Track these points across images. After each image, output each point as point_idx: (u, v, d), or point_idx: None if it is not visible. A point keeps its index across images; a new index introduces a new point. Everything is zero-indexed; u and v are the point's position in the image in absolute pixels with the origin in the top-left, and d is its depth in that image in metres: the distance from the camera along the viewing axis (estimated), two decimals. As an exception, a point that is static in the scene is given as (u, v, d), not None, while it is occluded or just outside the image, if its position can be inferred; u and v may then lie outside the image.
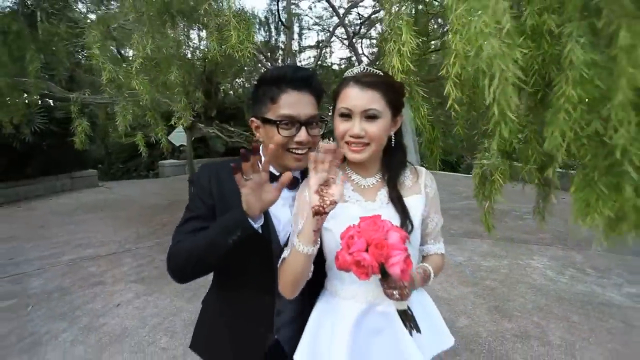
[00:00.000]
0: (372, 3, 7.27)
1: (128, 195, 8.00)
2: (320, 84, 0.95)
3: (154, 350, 2.40)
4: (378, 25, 6.88)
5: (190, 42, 3.25)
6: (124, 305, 2.99)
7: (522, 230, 4.98)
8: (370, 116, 0.85)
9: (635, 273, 3.52)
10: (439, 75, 1.00)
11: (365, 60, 7.31)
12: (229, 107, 11.03)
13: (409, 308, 0.88)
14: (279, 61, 8.58)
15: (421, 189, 0.97)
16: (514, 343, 2.44)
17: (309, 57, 10.28)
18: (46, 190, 7.88)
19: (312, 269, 0.86)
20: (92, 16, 4.89)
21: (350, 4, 7.10)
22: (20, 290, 3.26)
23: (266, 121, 0.91)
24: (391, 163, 0.94)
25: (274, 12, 7.91)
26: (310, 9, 7.95)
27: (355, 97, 0.85)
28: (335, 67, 9.23)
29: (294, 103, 0.88)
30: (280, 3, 7.56)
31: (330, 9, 7.16)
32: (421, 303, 0.99)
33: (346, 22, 7.26)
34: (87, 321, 2.74)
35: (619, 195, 0.89)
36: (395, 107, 0.89)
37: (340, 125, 0.88)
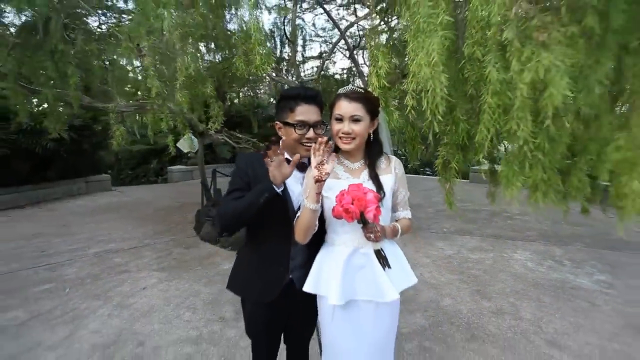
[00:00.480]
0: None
1: (141, 198, 8.44)
2: (322, 99, 1.38)
3: (179, 322, 2.80)
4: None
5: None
6: (149, 289, 3.39)
7: (510, 229, 5.35)
8: (355, 119, 1.27)
9: (607, 264, 3.89)
10: (404, 88, 1.42)
11: (365, 69, 7.79)
12: (235, 115, 11.56)
13: (382, 249, 1.29)
14: (284, 71, 9.09)
15: (392, 170, 1.38)
16: (490, 318, 2.83)
17: (312, 68, 10.80)
18: (64, 193, 8.34)
19: (317, 223, 1.27)
20: (104, 27, 5.32)
21: (349, 23, 7.61)
22: (56, 277, 3.68)
23: (286, 124, 1.33)
24: (371, 152, 1.36)
25: (279, 26, 8.43)
26: (314, 25, 8.42)
27: (345, 107, 1.27)
28: (337, 76, 9.72)
29: (305, 112, 1.31)
30: (285, 17, 8.07)
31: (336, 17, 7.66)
32: (393, 252, 1.39)
33: (347, 33, 7.76)
34: (119, 300, 3.15)
35: (528, 172, 1.31)
36: (373, 113, 1.31)
37: (335, 126, 1.30)
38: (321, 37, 10.18)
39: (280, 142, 1.42)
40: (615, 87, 1.38)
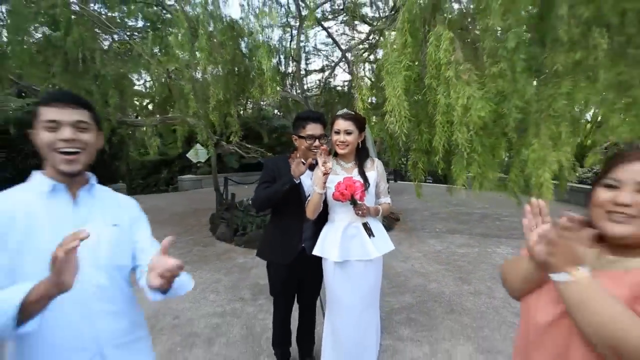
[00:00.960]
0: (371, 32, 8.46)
1: (155, 204, 9.02)
2: (325, 119, 1.95)
3: (205, 302, 3.33)
4: (379, 50, 8.02)
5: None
6: (177, 278, 3.93)
7: (498, 229, 5.86)
8: (348, 132, 1.83)
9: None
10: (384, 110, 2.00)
11: (367, 80, 8.42)
12: (243, 127, 12.22)
13: (367, 222, 1.84)
14: (288, 85, 9.74)
15: (375, 169, 1.94)
16: (468, 297, 3.34)
17: (315, 81, 11.48)
18: (84, 200, 8.94)
19: (321, 205, 1.83)
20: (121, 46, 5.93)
21: (350, 37, 8.27)
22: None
23: (300, 137, 1.90)
24: (360, 156, 1.92)
25: (284, 43, 9.12)
26: (316, 47, 9.14)
27: (341, 124, 1.84)
28: (338, 88, 10.38)
29: (313, 129, 1.87)
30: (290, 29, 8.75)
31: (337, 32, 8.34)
32: (376, 226, 1.93)
33: (348, 45, 8.44)
34: (153, 286, 3.68)
35: (469, 168, 1.87)
36: (361, 129, 1.87)
37: (334, 137, 1.87)
38: (323, 51, 10.88)
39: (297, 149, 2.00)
40: (533, 107, 1.95)
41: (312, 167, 1.93)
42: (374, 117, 2.15)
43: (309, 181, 1.93)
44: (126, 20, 5.78)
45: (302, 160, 1.81)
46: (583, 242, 0.86)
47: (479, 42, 1.79)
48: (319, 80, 10.95)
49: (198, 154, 10.43)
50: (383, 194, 1.99)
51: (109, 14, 5.18)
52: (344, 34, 9.44)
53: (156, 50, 5.46)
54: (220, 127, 3.45)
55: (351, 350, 1.93)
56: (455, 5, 1.92)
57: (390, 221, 6.27)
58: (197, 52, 2.61)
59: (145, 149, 13.71)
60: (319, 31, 11.03)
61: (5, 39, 3.41)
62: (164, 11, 5.36)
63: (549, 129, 1.70)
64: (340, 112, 1.89)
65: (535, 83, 1.72)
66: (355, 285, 1.88)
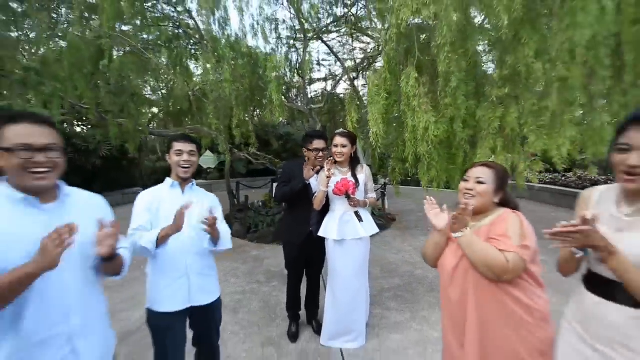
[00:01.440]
0: (372, 46, 9.19)
1: (170, 207, 9.73)
2: (327, 136, 2.63)
3: (227, 284, 4.00)
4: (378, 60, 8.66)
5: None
6: (201, 266, 4.61)
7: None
8: (344, 146, 2.52)
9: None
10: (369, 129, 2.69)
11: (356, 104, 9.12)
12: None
13: (358, 211, 2.52)
14: (293, 96, 10.47)
15: (364, 173, 2.61)
16: (447, 280, 3.98)
17: (317, 90, 12.20)
18: (105, 203, 9.70)
19: (324, 200, 2.50)
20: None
21: (352, 54, 9.01)
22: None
23: (308, 150, 2.58)
24: (352, 163, 2.61)
25: (289, 56, 9.87)
26: (319, 62, 9.91)
27: (338, 139, 2.52)
28: (341, 96, 11.08)
29: (318, 144, 2.55)
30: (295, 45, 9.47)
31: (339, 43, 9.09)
32: (365, 215, 2.60)
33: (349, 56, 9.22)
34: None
35: (429, 172, 2.55)
36: (352, 143, 2.56)
37: (334, 149, 2.55)
38: (326, 61, 11.65)
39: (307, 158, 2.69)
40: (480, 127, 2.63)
41: (317, 172, 2.62)
42: (361, 133, 2.81)
43: (315, 182, 2.62)
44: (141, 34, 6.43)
45: (312, 167, 2.50)
46: (467, 217, 1.54)
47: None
48: (322, 89, 11.70)
49: (208, 160, 11.22)
50: (370, 191, 2.67)
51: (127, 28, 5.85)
52: (347, 44, 10.18)
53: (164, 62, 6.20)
54: (240, 139, 4.16)
55: (345, 308, 2.60)
56: (425, 50, 2.60)
57: (387, 221, 6.93)
58: (223, 83, 3.34)
59: (157, 155, 14.52)
60: (321, 44, 11.81)
61: (64, 67, 4.14)
62: (179, 29, 6.09)
63: (489, 143, 2.36)
64: (338, 131, 2.58)
65: (478, 110, 2.39)
66: (349, 258, 2.55)
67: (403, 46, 2.56)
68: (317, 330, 2.83)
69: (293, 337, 2.81)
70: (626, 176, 1.03)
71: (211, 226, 1.62)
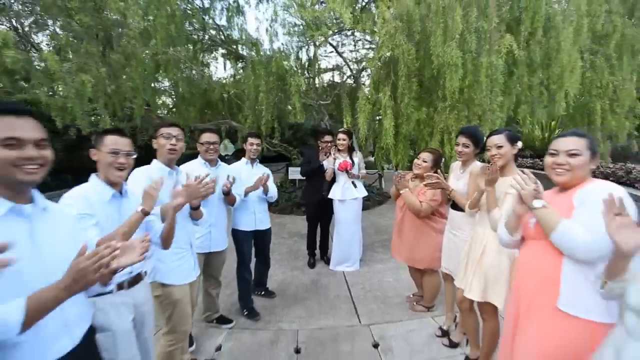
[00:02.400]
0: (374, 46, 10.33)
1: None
2: (332, 132, 4.01)
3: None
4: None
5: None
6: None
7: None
8: (344, 139, 3.90)
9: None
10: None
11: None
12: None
13: (354, 181, 3.93)
14: (303, 90, 11.71)
15: (357, 156, 3.99)
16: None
17: (325, 82, 13.42)
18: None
19: (333, 173, 3.90)
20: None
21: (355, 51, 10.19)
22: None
23: (321, 141, 3.96)
24: (350, 150, 3.99)
25: (299, 55, 11.09)
26: (327, 68, 11.12)
27: (340, 135, 3.91)
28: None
29: (327, 137, 3.93)
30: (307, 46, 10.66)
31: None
32: (359, 184, 4.00)
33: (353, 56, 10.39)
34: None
35: (396, 156, 3.94)
36: (350, 137, 3.94)
37: (337, 141, 3.94)
38: (331, 56, 12.77)
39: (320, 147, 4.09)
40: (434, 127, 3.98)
41: (327, 156, 4.01)
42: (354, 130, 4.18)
43: (326, 163, 4.00)
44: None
45: (324, 154, 3.88)
46: (408, 182, 2.93)
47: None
48: (329, 80, 12.87)
49: (227, 147, 12.69)
50: (361, 168, 4.05)
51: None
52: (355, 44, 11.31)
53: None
54: (267, 132, 5.53)
55: (345, 244, 4.03)
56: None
57: (383, 198, 8.32)
58: (260, 92, 4.69)
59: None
60: (330, 45, 12.94)
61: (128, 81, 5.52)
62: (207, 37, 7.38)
63: (436, 139, 3.69)
64: (340, 130, 3.96)
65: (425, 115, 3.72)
66: (348, 211, 3.95)
67: (383, 72, 3.85)
68: (327, 262, 4.28)
69: (311, 265, 4.27)
70: (556, 171, 1.43)
71: (264, 184, 2.98)
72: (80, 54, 3.95)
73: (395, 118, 3.77)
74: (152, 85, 5.72)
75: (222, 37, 7.00)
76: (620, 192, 1.21)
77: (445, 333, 2.78)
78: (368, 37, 10.57)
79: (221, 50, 7.21)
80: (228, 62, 7.52)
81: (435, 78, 3.62)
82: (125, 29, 4.18)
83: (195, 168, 2.60)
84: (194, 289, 2.36)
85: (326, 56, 12.19)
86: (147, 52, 5.42)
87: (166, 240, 1.75)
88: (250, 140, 3.17)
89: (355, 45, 10.94)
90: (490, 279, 2.05)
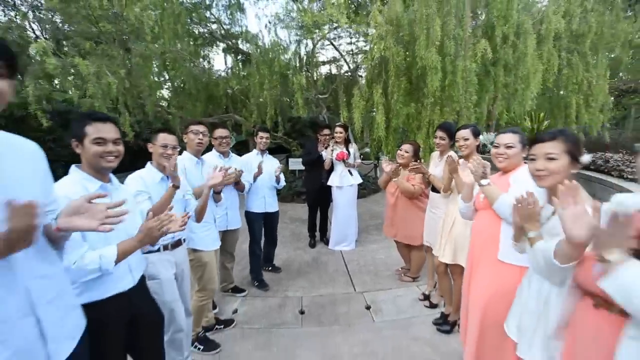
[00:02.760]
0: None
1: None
2: (330, 125, 4.46)
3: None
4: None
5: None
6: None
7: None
8: (341, 132, 4.36)
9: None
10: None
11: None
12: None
13: (350, 170, 4.41)
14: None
15: (353, 147, 4.46)
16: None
17: (323, 74, 13.76)
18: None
19: (331, 163, 4.37)
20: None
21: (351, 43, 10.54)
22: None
23: (320, 134, 4.41)
24: (346, 142, 4.45)
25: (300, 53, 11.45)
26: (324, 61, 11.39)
27: (338, 129, 4.37)
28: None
29: (326, 131, 4.39)
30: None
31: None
32: (354, 172, 4.47)
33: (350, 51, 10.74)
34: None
35: (387, 146, 4.41)
36: (346, 130, 4.40)
37: (335, 134, 4.40)
38: (329, 48, 13.07)
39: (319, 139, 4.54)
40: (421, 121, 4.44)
41: (326, 147, 4.47)
42: (351, 124, 4.63)
43: (325, 153, 4.46)
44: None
45: (323, 145, 4.34)
46: (399, 170, 3.40)
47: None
48: (328, 73, 13.22)
49: (231, 139, 13.13)
50: (357, 158, 4.52)
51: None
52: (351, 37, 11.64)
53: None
54: (270, 126, 5.99)
55: (342, 226, 4.52)
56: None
57: (378, 186, 8.81)
58: (264, 90, 5.13)
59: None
60: (328, 40, 13.23)
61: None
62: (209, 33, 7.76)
63: (423, 132, 4.14)
64: (337, 124, 4.41)
65: (414, 110, 4.16)
66: (345, 196, 4.43)
67: (375, 71, 4.27)
68: (326, 242, 4.77)
69: (312, 246, 4.77)
70: (498, 159, 1.88)
71: (277, 175, 3.46)
72: (101, 56, 4.36)
73: (386, 113, 4.24)
74: (162, 81, 6.12)
75: (223, 32, 7.39)
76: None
77: (426, 297, 3.29)
78: (363, 28, 11.02)
79: (222, 46, 7.60)
80: (233, 61, 7.90)
81: (421, 77, 4.06)
82: (141, 33, 4.57)
83: (210, 159, 3.06)
84: (217, 258, 2.84)
85: (322, 49, 12.59)
86: (156, 51, 5.82)
87: (200, 214, 2.24)
88: (261, 134, 3.63)
89: (351, 39, 11.34)
90: (459, 245, 2.54)
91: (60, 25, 5.30)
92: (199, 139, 2.61)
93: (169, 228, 1.50)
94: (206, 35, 7.98)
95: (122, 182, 1.82)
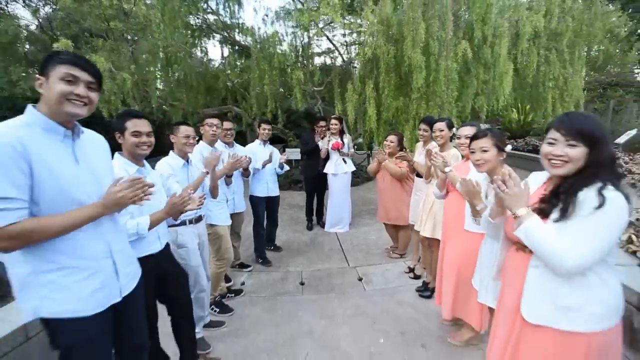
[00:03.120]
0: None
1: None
2: (326, 118, 4.85)
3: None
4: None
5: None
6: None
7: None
8: (336, 124, 4.75)
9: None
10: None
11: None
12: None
13: (344, 158, 4.82)
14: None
15: (347, 138, 4.86)
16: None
17: (318, 64, 14.03)
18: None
19: (327, 152, 4.78)
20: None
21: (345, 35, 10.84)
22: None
23: (317, 126, 4.80)
24: (341, 133, 4.85)
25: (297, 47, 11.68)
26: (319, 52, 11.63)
27: (333, 121, 4.76)
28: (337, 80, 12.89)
29: (322, 123, 4.79)
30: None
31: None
32: (348, 160, 4.88)
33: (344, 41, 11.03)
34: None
35: (378, 135, 4.83)
36: (341, 122, 4.79)
37: (331, 125, 4.80)
38: (324, 42, 13.31)
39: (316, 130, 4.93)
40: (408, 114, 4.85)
41: (322, 137, 4.86)
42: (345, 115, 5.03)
43: (321, 143, 4.85)
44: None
45: (319, 136, 4.73)
46: (384, 156, 3.82)
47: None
48: (323, 64, 13.49)
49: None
50: (350, 148, 4.92)
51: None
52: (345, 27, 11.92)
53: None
54: (270, 118, 6.38)
55: (337, 209, 4.95)
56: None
57: (370, 175, 9.25)
58: (264, 85, 5.47)
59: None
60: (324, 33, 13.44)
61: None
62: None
63: (410, 124, 4.54)
64: (333, 116, 4.80)
65: (402, 104, 4.55)
66: (339, 183, 4.85)
67: (367, 68, 4.64)
68: (322, 225, 5.21)
69: (309, 228, 5.20)
70: (461, 147, 2.65)
71: (282, 162, 3.87)
72: (110, 52, 4.66)
73: (377, 106, 4.63)
74: (168, 75, 6.43)
75: (221, 25, 7.66)
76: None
77: (411, 270, 3.74)
78: (357, 22, 11.29)
79: (219, 37, 7.90)
80: (230, 53, 8.18)
81: (409, 74, 4.44)
82: (147, 29, 4.86)
83: (217, 149, 3.46)
84: (229, 232, 3.26)
85: (318, 40, 12.82)
86: (159, 46, 6.12)
87: (213, 191, 2.67)
88: (263, 126, 4.01)
89: (344, 32, 11.62)
90: (437, 221, 2.98)
91: (69, 23, 5.54)
92: (213, 130, 2.99)
93: (189, 204, 1.90)
94: (203, 27, 8.24)
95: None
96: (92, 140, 1.50)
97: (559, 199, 1.26)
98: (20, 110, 1.33)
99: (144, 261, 1.76)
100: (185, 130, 2.45)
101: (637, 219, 3.18)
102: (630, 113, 9.38)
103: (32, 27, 6.25)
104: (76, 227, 1.28)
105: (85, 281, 1.34)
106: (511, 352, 1.41)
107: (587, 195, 1.18)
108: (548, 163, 1.31)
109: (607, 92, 13.52)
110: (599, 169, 1.21)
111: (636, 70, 15.20)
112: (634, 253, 2.81)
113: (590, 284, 1.23)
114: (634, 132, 7.14)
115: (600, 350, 1.25)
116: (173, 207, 1.83)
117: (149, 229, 1.81)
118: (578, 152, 1.22)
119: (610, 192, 1.16)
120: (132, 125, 1.84)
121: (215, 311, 2.99)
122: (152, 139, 1.92)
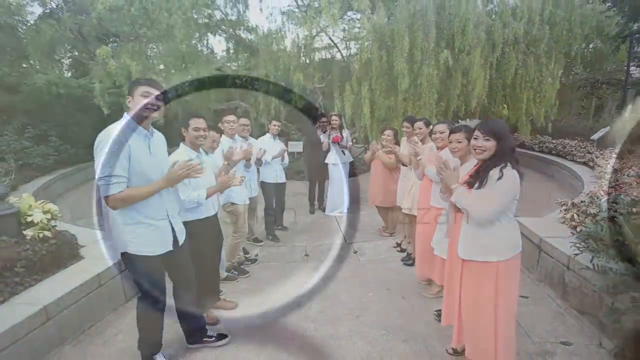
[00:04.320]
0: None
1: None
2: (326, 115, 5.53)
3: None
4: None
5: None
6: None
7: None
8: (336, 120, 5.43)
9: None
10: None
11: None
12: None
13: (343, 150, 5.51)
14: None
15: (346, 132, 5.54)
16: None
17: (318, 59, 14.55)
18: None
19: (328, 144, 5.46)
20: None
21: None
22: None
23: (318, 121, 5.48)
24: (340, 127, 5.52)
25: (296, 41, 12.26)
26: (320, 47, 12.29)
27: (334, 117, 5.44)
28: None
29: (323, 119, 5.46)
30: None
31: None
32: (347, 152, 5.57)
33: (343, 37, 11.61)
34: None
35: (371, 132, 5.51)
36: (340, 118, 5.47)
37: (331, 121, 5.47)
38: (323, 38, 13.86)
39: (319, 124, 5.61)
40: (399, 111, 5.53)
41: (324, 130, 5.53)
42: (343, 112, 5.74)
43: (323, 136, 5.52)
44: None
45: (321, 130, 5.40)
46: (378, 147, 4.51)
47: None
48: (323, 58, 13.99)
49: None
50: (348, 141, 5.60)
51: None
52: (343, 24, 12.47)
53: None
54: (274, 113, 7.04)
55: (337, 194, 5.65)
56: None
57: (365, 167, 9.95)
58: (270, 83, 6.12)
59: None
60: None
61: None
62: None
63: (399, 121, 5.20)
64: (333, 113, 5.47)
65: (393, 103, 5.20)
66: (339, 172, 5.54)
67: (363, 71, 5.29)
68: (323, 210, 5.92)
69: (312, 212, 5.92)
70: (436, 140, 3.41)
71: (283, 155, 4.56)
72: (139, 55, 5.29)
73: (371, 105, 5.29)
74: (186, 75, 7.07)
75: (231, 29, 8.28)
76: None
77: (399, 245, 4.45)
78: (357, 16, 11.88)
79: (224, 35, 8.56)
80: (235, 50, 8.80)
81: (397, 78, 5.11)
82: (170, 35, 5.49)
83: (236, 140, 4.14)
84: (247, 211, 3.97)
85: (318, 36, 13.38)
86: (179, 50, 6.76)
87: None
88: (274, 122, 4.69)
89: (344, 31, 12.20)
90: (414, 201, 3.68)
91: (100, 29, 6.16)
92: (231, 126, 3.67)
93: (233, 182, 2.60)
94: (211, 25, 8.82)
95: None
96: (158, 138, 2.15)
97: (479, 175, 1.96)
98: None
99: (204, 220, 2.47)
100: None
101: (581, 201, 3.88)
102: (608, 111, 10.04)
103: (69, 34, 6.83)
104: (151, 194, 1.97)
105: (152, 233, 2.04)
106: (460, 281, 2.12)
107: (494, 172, 1.87)
108: (473, 151, 2.00)
109: (595, 91, 14.12)
110: (504, 155, 1.91)
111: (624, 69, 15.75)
112: (574, 227, 3.51)
113: (496, 229, 1.93)
114: (607, 129, 7.83)
115: (506, 272, 1.96)
116: (223, 184, 2.55)
117: (206, 197, 2.51)
118: (490, 144, 1.91)
119: (508, 170, 1.85)
120: (194, 123, 2.53)
121: (234, 274, 3.69)
122: (207, 134, 2.61)
